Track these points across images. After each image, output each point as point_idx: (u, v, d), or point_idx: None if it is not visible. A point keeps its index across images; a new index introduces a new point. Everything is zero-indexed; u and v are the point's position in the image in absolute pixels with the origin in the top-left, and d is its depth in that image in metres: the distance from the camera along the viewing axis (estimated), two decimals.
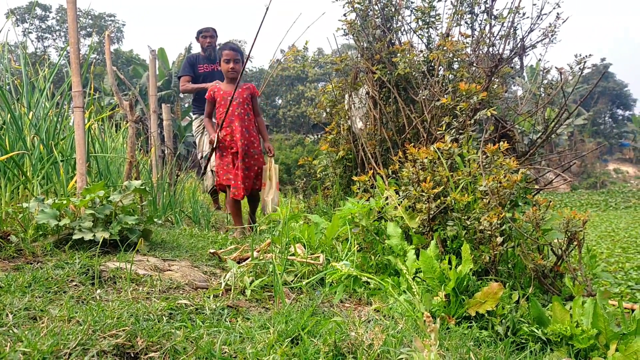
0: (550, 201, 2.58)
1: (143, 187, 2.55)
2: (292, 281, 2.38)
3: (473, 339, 1.92)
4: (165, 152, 5.57)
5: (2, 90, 3.23)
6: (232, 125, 4.20)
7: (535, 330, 1.99)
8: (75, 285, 1.75)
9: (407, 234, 3.03)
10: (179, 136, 23.71)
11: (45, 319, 1.29)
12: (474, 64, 3.68)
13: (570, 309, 2.10)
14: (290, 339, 1.52)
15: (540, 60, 3.81)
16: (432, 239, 2.67)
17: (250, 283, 2.18)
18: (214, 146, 4.19)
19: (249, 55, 4.33)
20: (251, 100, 4.39)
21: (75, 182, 3.02)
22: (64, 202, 2.40)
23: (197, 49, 9.43)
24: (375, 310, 2.18)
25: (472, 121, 3.11)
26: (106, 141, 4.72)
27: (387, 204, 3.25)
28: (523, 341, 1.99)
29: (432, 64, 3.81)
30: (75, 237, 2.26)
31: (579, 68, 3.43)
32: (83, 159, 2.89)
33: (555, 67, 3.65)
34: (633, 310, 2.30)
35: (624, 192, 22.45)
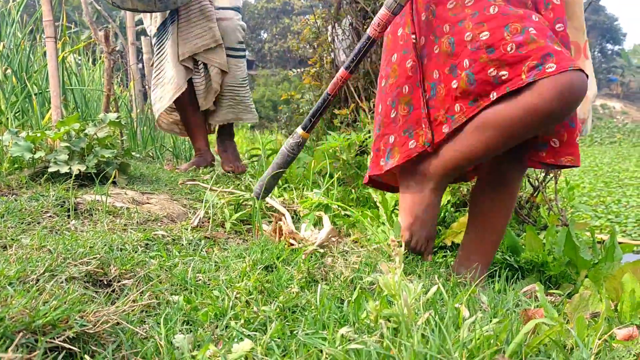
0: None
1: (118, 120, 2.50)
2: (271, 215, 2.39)
3: (448, 266, 1.97)
4: (146, 86, 5.46)
5: None
6: None
7: (508, 258, 2.04)
8: (50, 216, 1.75)
9: None
10: None
11: (14, 247, 1.29)
12: None
13: (544, 238, 2.15)
14: (264, 267, 1.54)
15: None
16: None
17: (230, 216, 2.19)
18: None
19: None
20: None
21: (51, 115, 2.96)
22: (38, 135, 2.36)
23: None
24: (353, 241, 2.21)
25: None
26: (83, 74, 4.61)
27: (369, 137, 3.24)
28: (496, 269, 2.03)
29: None
30: (50, 170, 2.23)
31: None
32: (57, 92, 2.82)
33: None
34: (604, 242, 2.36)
35: (610, 127, 22.61)
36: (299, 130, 1.84)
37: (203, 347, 0.91)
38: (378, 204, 2.59)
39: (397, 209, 2.49)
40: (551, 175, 2.38)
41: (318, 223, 2.30)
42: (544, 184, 2.43)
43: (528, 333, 0.89)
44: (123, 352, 0.90)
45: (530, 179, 2.48)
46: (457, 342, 0.83)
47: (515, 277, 1.98)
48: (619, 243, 2.21)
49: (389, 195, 2.58)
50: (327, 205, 2.27)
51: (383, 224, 2.41)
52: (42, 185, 2.15)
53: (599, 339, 1.15)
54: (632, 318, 1.51)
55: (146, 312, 1.14)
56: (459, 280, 1.58)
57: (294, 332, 1.04)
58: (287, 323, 1.10)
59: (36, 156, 2.27)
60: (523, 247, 2.12)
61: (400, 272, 0.99)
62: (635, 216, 5.32)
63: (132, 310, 1.10)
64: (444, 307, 1.08)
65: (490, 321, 0.97)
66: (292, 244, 1.87)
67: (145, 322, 1.07)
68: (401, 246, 1.04)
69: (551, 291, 1.78)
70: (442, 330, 0.85)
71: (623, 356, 1.17)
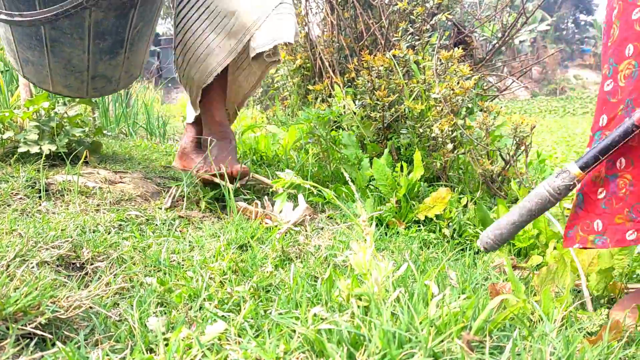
0: (502, 107, 2.61)
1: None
2: (247, 193, 2.40)
3: (421, 241, 2.00)
4: None
5: None
6: None
7: (480, 232, 2.07)
8: (20, 198, 1.72)
9: (363, 143, 3.05)
10: None
11: None
12: None
13: None
14: (239, 246, 1.55)
15: None
16: (387, 148, 2.70)
17: (204, 195, 2.18)
18: None
19: None
20: None
21: (19, 94, 2.90)
22: (7, 114, 2.31)
23: None
24: (328, 217, 2.23)
25: (429, 26, 3.05)
26: None
27: (345, 112, 3.24)
28: (468, 242, 2.07)
29: None
30: (20, 150, 2.19)
31: None
32: None
33: None
34: None
35: (582, 98, 22.89)
36: (573, 168, 1.26)
37: (176, 330, 0.92)
38: (350, 182, 2.61)
39: (371, 185, 2.51)
40: (522, 148, 2.41)
41: (294, 199, 2.31)
42: (515, 157, 2.47)
43: (494, 308, 0.91)
44: (96, 336, 0.91)
45: (502, 153, 2.51)
46: (425, 319, 0.86)
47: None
48: None
49: (363, 170, 2.59)
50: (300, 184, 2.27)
51: (358, 200, 2.43)
52: (11, 166, 2.11)
53: (565, 311, 1.19)
54: (602, 291, 1.57)
55: (120, 294, 1.14)
56: (430, 256, 1.61)
57: (268, 312, 1.05)
58: (260, 303, 1.12)
59: (5, 136, 2.23)
60: (494, 220, 2.16)
61: (372, 250, 1.01)
62: None
63: (105, 294, 1.10)
64: (415, 284, 1.10)
65: (459, 297, 1.00)
66: (267, 223, 1.88)
67: (118, 305, 1.08)
68: (371, 225, 1.06)
69: (520, 264, 1.83)
70: (410, 308, 0.87)
71: (587, 327, 1.22)
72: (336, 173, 2.93)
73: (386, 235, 1.97)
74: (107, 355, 0.83)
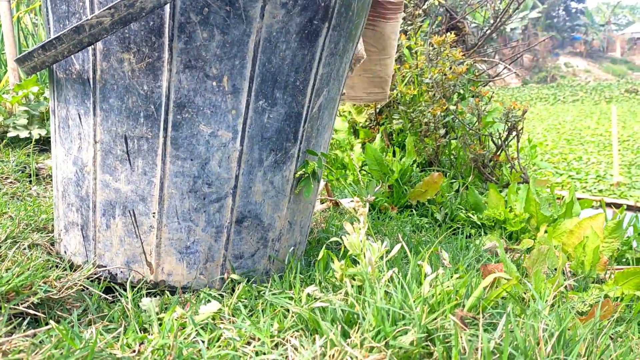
0: (492, 94, 2.62)
1: None
2: None
3: (413, 225, 2.01)
4: None
5: None
6: None
7: (471, 216, 2.08)
8: (11, 182, 1.71)
9: (355, 129, 3.05)
10: None
11: None
12: None
13: (506, 195, 2.20)
14: None
15: None
16: (379, 133, 2.70)
17: None
18: None
19: None
20: None
21: (8, 79, 2.86)
22: None
23: None
24: (321, 202, 2.23)
25: (421, 12, 3.04)
26: (40, 35, 4.44)
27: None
28: (460, 226, 2.08)
29: None
30: (10, 135, 2.17)
31: None
32: (14, 53, 2.72)
33: None
34: (564, 198, 2.42)
35: (573, 85, 22.95)
36: None
37: (170, 309, 0.92)
38: (346, 164, 2.61)
39: (364, 169, 2.52)
40: (514, 134, 2.42)
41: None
42: (506, 142, 2.48)
43: (487, 287, 0.92)
44: (89, 316, 0.91)
45: (494, 138, 2.52)
46: (418, 297, 0.86)
47: (478, 234, 2.04)
48: (579, 199, 2.28)
49: (354, 156, 2.59)
50: None
51: (350, 185, 2.44)
52: (1, 151, 2.10)
53: (556, 291, 1.20)
54: (591, 270, 1.58)
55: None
56: (423, 239, 1.62)
57: (261, 293, 1.06)
58: (254, 284, 1.12)
59: None
60: (486, 204, 2.17)
61: (365, 231, 1.01)
62: (596, 172, 5.48)
63: (98, 275, 1.09)
64: (408, 265, 1.10)
65: (451, 277, 1.00)
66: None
67: (112, 285, 1.07)
68: (365, 206, 1.06)
69: (512, 247, 1.84)
70: (404, 287, 0.87)
71: (577, 306, 1.23)
72: (328, 158, 2.94)
73: (379, 219, 1.97)
74: (101, 334, 0.83)
